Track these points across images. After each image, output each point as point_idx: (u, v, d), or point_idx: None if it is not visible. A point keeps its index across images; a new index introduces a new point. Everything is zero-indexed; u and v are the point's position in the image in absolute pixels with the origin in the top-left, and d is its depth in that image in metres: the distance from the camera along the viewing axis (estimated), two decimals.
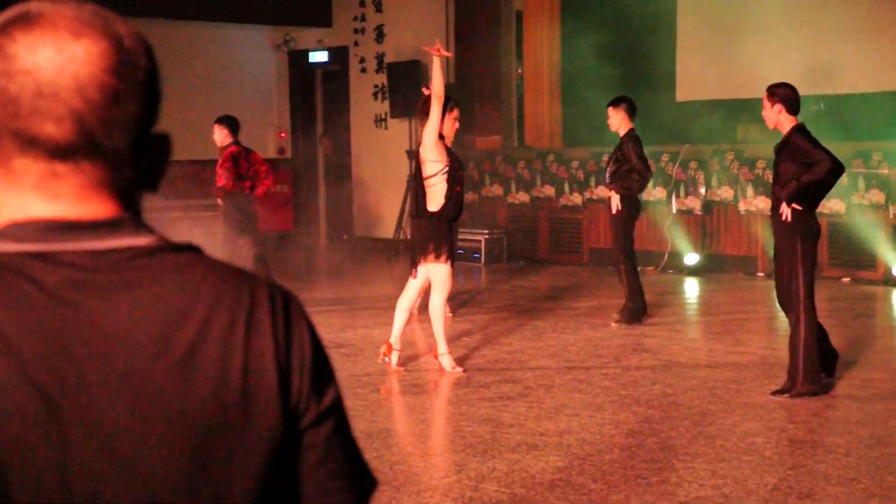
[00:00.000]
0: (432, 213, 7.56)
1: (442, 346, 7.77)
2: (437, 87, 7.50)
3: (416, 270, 7.66)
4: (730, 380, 7.45)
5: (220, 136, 10.58)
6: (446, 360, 7.75)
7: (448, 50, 15.48)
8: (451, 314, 10.00)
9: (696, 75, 14.57)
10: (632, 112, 9.68)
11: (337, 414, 1.43)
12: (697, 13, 14.50)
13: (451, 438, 6.31)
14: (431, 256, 7.55)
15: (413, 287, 7.76)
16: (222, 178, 10.37)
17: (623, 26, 14.73)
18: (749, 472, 5.39)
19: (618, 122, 9.70)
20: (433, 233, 7.55)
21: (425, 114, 7.62)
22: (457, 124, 7.79)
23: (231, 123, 10.58)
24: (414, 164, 7.69)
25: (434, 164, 7.52)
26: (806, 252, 6.91)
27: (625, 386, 7.29)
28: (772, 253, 7.38)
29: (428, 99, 7.68)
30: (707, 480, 5.28)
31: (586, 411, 6.66)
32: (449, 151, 7.61)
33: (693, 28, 14.55)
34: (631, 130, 9.67)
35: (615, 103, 9.77)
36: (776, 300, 7.41)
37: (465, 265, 14.22)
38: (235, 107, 16.27)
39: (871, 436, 6.00)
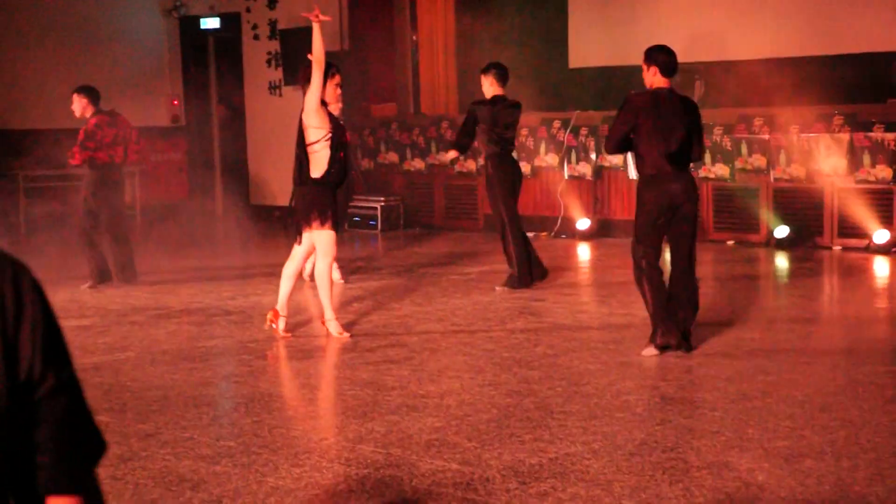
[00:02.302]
0: (315, 180, 7.59)
1: (329, 312, 7.83)
2: (317, 52, 7.51)
3: (301, 237, 7.70)
4: (610, 340, 7.64)
5: (80, 106, 10.11)
6: (333, 326, 7.81)
7: (331, 15, 15.47)
8: (342, 280, 10.09)
9: (589, 42, 14.75)
10: (501, 79, 9.70)
11: (74, 386, 1.48)
12: None
13: (332, 402, 6.40)
14: (316, 223, 7.60)
15: (298, 254, 7.79)
16: (76, 156, 10.00)
17: None
18: (619, 429, 5.57)
19: (487, 88, 9.72)
20: (317, 199, 7.59)
21: (307, 80, 7.63)
22: (339, 90, 7.83)
23: (91, 93, 10.21)
24: (297, 130, 7.70)
25: (317, 130, 7.55)
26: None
27: (507, 348, 7.43)
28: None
29: (310, 65, 7.68)
30: (578, 437, 5.43)
31: (468, 373, 6.79)
32: (331, 117, 7.64)
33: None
34: (496, 97, 9.67)
35: (485, 70, 9.82)
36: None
37: (361, 232, 14.29)
38: (126, 73, 16.09)
39: (738, 391, 6.22)
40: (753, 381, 6.42)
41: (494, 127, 9.54)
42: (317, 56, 7.50)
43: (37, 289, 1.44)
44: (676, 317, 7.16)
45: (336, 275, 10.12)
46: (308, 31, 7.82)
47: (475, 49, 15.09)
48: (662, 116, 7.02)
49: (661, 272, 7.21)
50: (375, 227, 14.36)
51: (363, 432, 5.56)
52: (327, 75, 7.62)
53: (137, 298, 9.52)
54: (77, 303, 9.37)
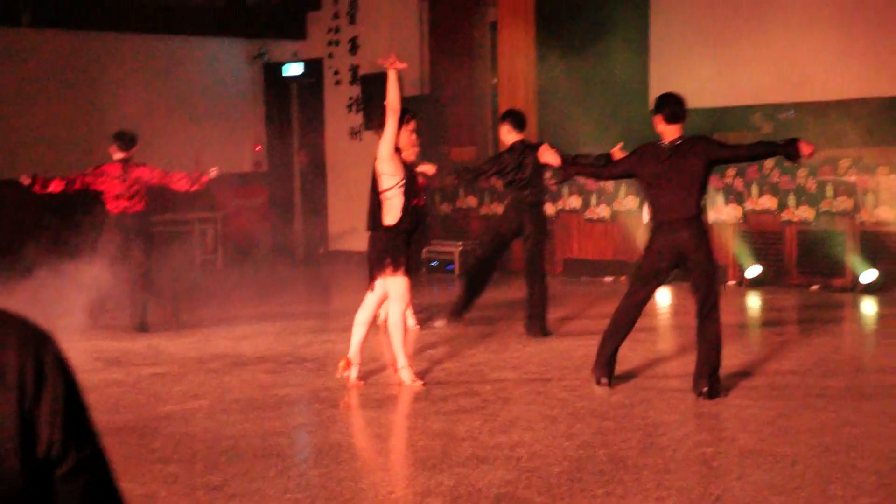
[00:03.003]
0: (388, 227, 7.56)
1: (401, 360, 7.76)
2: (391, 99, 7.51)
3: (374, 284, 7.66)
4: (687, 389, 7.43)
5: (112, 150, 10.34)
6: (406, 374, 7.75)
7: (412, 59, 15.59)
8: (417, 326, 10.04)
9: (669, 84, 14.59)
10: (517, 125, 9.73)
11: (97, 465, 1.43)
12: (671, 24, 14.53)
13: (402, 453, 6.32)
14: (388, 270, 7.56)
15: (370, 301, 7.76)
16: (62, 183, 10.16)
17: (597, 37, 14.75)
18: (694, 483, 5.40)
19: (504, 134, 9.77)
20: (390, 246, 7.56)
21: (382, 126, 7.63)
22: (414, 136, 7.81)
23: (118, 139, 10.34)
24: (370, 177, 7.69)
25: (390, 177, 7.53)
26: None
27: (582, 397, 7.29)
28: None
29: (386, 111, 7.69)
30: (652, 492, 5.28)
31: (541, 423, 6.66)
32: (405, 165, 7.62)
33: (666, 38, 14.59)
34: (517, 142, 9.71)
35: (501, 119, 9.87)
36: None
37: (439, 277, 14.24)
38: (212, 120, 16.34)
39: (821, 444, 6.01)
40: (838, 434, 6.20)
41: (518, 173, 9.55)
42: (391, 103, 7.49)
43: (60, 362, 1.38)
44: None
45: (411, 321, 10.08)
46: (386, 77, 7.92)
47: (556, 93, 15.03)
48: (668, 165, 7.11)
49: (637, 314, 7.41)
50: (453, 271, 14.31)
51: (432, 485, 5.46)
52: (402, 122, 7.61)
53: (216, 346, 9.56)
54: (154, 349, 9.44)
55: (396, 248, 7.56)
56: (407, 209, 7.55)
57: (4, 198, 14.08)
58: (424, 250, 14.91)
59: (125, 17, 15.39)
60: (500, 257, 10.03)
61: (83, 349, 9.42)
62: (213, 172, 10.30)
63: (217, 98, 16.52)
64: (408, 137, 7.71)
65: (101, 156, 14.94)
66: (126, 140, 10.32)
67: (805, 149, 7.04)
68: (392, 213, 7.56)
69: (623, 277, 13.16)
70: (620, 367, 8.22)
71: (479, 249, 9.79)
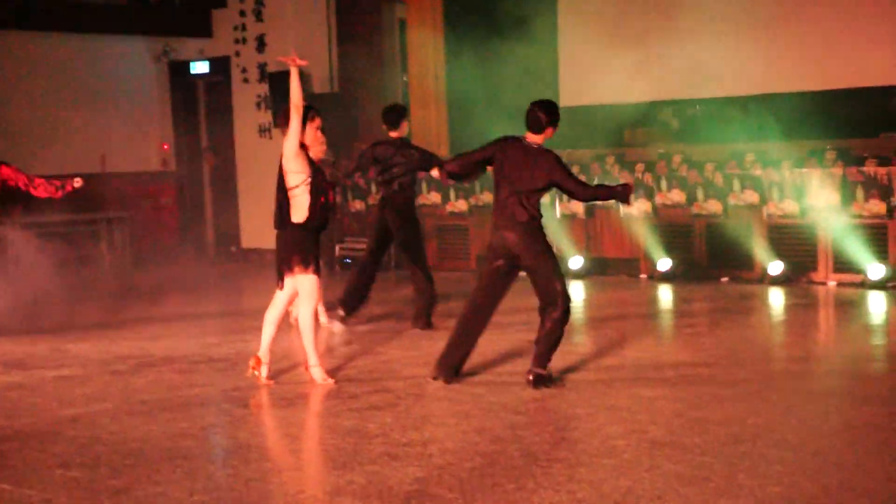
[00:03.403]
0: (296, 224, 7.47)
1: (312, 358, 7.67)
2: (294, 97, 7.42)
3: (283, 282, 7.56)
4: (599, 382, 7.48)
5: None
6: (317, 372, 7.65)
7: (320, 58, 15.48)
8: (329, 324, 9.93)
9: (580, 80, 14.69)
10: (390, 122, 9.88)
11: None
12: (579, 20, 14.61)
13: (312, 452, 6.23)
14: (298, 268, 7.46)
15: (280, 299, 7.65)
16: None
17: (506, 33, 14.77)
18: (605, 476, 5.40)
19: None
20: (298, 244, 7.46)
21: (287, 123, 7.53)
22: (319, 133, 7.72)
23: None
24: (277, 175, 7.59)
25: (296, 175, 7.44)
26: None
27: (494, 392, 7.26)
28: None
29: (289, 109, 7.59)
30: (563, 485, 5.26)
31: (452, 419, 6.62)
32: (311, 162, 7.53)
33: (575, 34, 14.66)
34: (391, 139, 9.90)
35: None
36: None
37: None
38: (118, 119, 16.04)
39: (728, 434, 6.05)
40: (745, 424, 6.26)
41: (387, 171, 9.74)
42: (294, 100, 7.40)
43: None
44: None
45: (323, 318, 9.98)
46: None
47: (466, 89, 15.02)
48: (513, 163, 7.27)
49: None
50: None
51: (342, 484, 5.38)
52: (306, 118, 7.51)
53: (121, 347, 9.36)
54: (58, 351, 9.21)
55: (305, 245, 7.47)
56: (314, 207, 7.46)
57: None
58: (337, 248, 14.81)
59: (30, 15, 15.01)
60: (381, 255, 10.08)
61: None
62: (77, 183, 10.12)
63: (123, 97, 16.21)
64: (313, 134, 7.62)
65: (8, 155, 14.62)
66: None
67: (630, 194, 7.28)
68: (299, 210, 7.47)
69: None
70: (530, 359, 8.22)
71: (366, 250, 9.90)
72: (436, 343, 9.02)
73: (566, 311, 7.31)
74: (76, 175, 10.72)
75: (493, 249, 7.37)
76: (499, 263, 7.36)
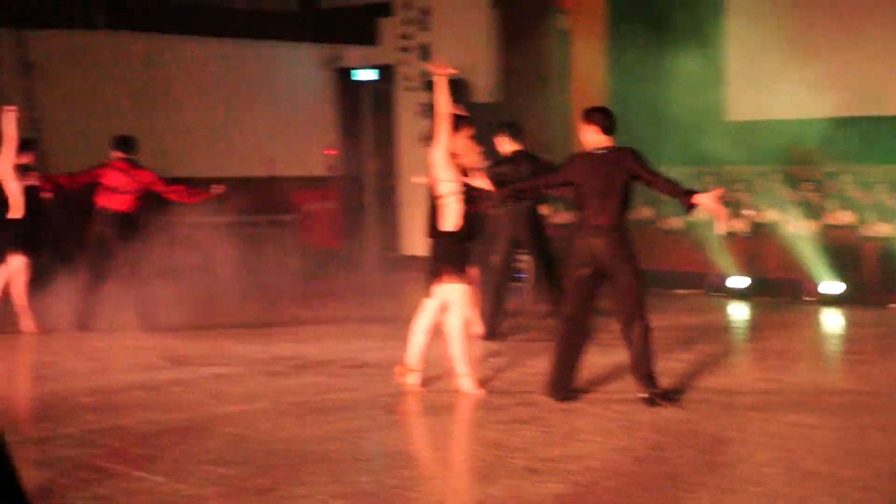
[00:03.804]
0: (445, 233, 7.50)
1: (461, 368, 7.68)
2: (441, 106, 7.45)
3: (432, 290, 7.60)
4: (754, 406, 7.28)
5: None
6: (466, 382, 7.67)
7: (493, 69, 15.52)
8: (482, 333, 9.95)
9: (747, 94, 14.36)
10: (513, 134, 9.89)
11: None
12: (747, 33, 14.28)
13: (454, 462, 6.23)
14: (446, 276, 7.49)
15: (429, 307, 7.69)
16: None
17: (671, 43, 14.55)
18: None
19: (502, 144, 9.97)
20: (447, 252, 7.49)
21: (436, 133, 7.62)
22: (471, 142, 7.72)
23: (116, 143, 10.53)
24: (429, 183, 7.65)
25: (447, 183, 7.48)
26: None
27: (642, 411, 7.14)
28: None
29: (437, 118, 7.66)
30: None
31: (598, 436, 6.54)
32: (462, 171, 7.55)
33: (743, 47, 14.33)
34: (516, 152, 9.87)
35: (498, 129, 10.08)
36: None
37: (511, 286, 14.09)
38: (285, 124, 16.45)
39: (892, 469, 5.80)
40: None
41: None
42: (440, 109, 7.44)
43: None
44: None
45: (476, 328, 10.00)
46: (460, 82, 7.95)
47: (630, 100, 14.85)
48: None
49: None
50: (524, 280, 14.15)
51: (481, 497, 5.38)
52: (457, 127, 7.54)
53: (280, 348, 9.58)
54: (220, 350, 9.48)
55: (454, 254, 7.49)
56: (465, 215, 7.48)
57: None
58: None
59: (200, 21, 15.54)
60: (511, 267, 10.12)
61: (150, 347, 9.51)
62: (218, 189, 10.35)
63: (290, 102, 16.62)
64: (464, 143, 7.63)
65: (174, 158, 15.17)
66: (128, 144, 10.40)
67: (705, 207, 7.10)
68: (449, 219, 7.50)
69: (696, 291, 12.96)
70: (687, 380, 8.07)
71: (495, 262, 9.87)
72: (590, 357, 8.93)
73: (648, 323, 7.23)
74: (227, 181, 10.97)
75: (578, 257, 7.25)
76: (585, 272, 7.24)
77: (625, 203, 7.22)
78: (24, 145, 10.45)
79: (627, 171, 7.19)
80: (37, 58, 14.54)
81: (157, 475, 5.71)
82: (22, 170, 10.25)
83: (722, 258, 12.86)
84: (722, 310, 12.05)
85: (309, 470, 5.81)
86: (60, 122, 14.33)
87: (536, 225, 9.85)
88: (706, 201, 7.10)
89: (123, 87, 15.16)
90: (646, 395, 7.22)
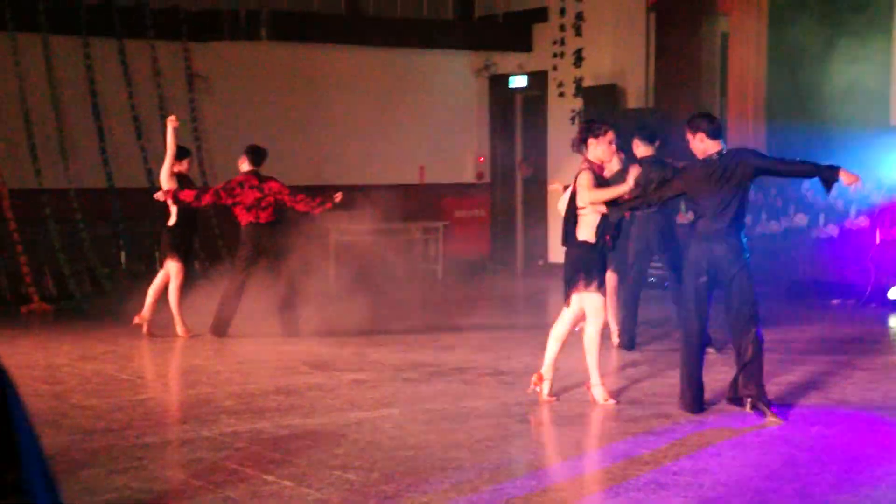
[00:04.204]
0: (583, 243, 7.45)
1: (595, 378, 7.63)
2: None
3: (570, 299, 7.56)
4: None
5: (243, 162, 10.58)
6: (598, 392, 7.61)
7: (647, 74, 15.36)
8: (618, 343, 9.86)
9: None
10: (646, 139, 9.75)
11: (16, 494, 1.41)
12: None
13: (580, 474, 6.18)
14: (582, 285, 7.44)
15: (566, 316, 7.65)
16: (201, 197, 10.34)
17: (834, 48, 14.12)
18: None
19: (635, 149, 9.79)
20: (584, 261, 7.44)
21: (581, 141, 7.57)
22: (613, 147, 7.65)
23: (250, 153, 10.53)
24: (569, 191, 7.61)
25: (585, 194, 7.43)
26: None
27: (781, 425, 6.95)
28: None
29: (585, 125, 7.63)
30: None
31: (730, 450, 6.39)
32: (599, 181, 7.49)
33: None
34: (648, 157, 9.65)
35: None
36: None
37: (655, 293, 13.91)
38: (437, 131, 16.62)
39: None
40: None
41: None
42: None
43: None
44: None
45: (616, 339, 9.92)
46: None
47: (787, 104, 14.48)
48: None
49: None
50: (668, 288, 13.92)
51: None
52: (599, 133, 7.49)
53: (418, 354, 9.67)
54: (360, 356, 9.63)
55: (591, 263, 7.44)
56: (602, 225, 7.42)
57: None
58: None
59: (358, 31, 15.83)
60: (645, 276, 9.96)
61: (295, 352, 9.73)
62: (338, 198, 10.43)
63: (443, 109, 16.79)
64: (606, 149, 7.57)
65: (330, 166, 15.50)
66: (259, 155, 10.55)
67: (846, 178, 6.86)
68: (586, 229, 7.45)
69: (851, 301, 12.55)
70: (831, 392, 7.83)
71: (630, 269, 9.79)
72: (732, 367, 8.75)
73: (760, 333, 7.09)
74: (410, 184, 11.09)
75: (695, 265, 7.13)
76: (703, 279, 7.11)
77: (742, 208, 7.09)
78: (181, 153, 10.82)
79: (747, 172, 7.04)
80: (200, 68, 15.07)
81: (285, 479, 5.84)
82: (179, 178, 10.62)
83: (879, 267, 12.40)
84: (877, 320, 11.61)
85: (432, 478, 5.85)
86: (221, 132, 14.81)
87: (668, 233, 9.66)
88: (848, 174, 6.92)
89: (282, 98, 15.58)
90: (754, 406, 7.05)
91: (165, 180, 10.47)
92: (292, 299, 10.53)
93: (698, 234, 7.18)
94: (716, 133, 7.14)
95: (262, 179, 10.45)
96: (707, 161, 7.15)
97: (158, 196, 10.43)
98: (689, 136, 7.25)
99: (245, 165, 10.55)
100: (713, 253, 7.08)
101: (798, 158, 7.27)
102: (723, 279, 7.11)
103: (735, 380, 7.30)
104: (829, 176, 6.95)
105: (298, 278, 10.60)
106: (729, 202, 7.05)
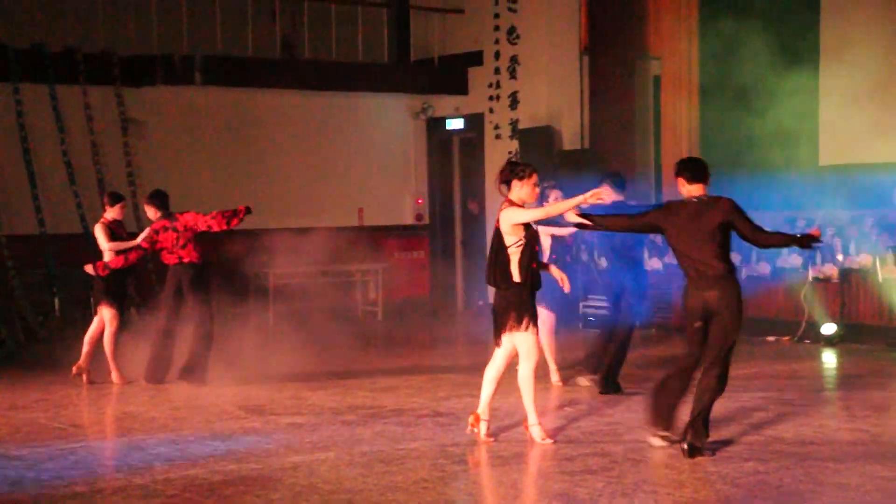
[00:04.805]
0: (512, 283, 7.47)
1: (532, 417, 7.64)
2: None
3: (500, 340, 7.58)
4: (831, 458, 7.08)
5: (150, 211, 10.46)
6: (536, 431, 7.61)
7: (582, 115, 15.53)
8: (560, 383, 9.90)
9: (840, 137, 14.08)
10: (616, 185, 9.59)
11: None
12: (840, 77, 14.00)
13: None
14: (512, 325, 7.46)
15: (499, 357, 7.66)
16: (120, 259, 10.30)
17: (764, 91, 14.37)
18: None
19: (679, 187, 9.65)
20: (515, 302, 7.46)
21: (503, 181, 7.60)
22: (536, 190, 7.68)
23: (153, 199, 10.41)
24: (493, 232, 7.62)
25: (510, 236, 7.47)
26: None
27: (716, 462, 7.00)
28: None
29: (509, 167, 7.65)
30: None
31: (666, 488, 6.42)
32: (527, 223, 7.53)
33: (836, 92, 14.06)
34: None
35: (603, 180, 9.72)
36: None
37: (595, 333, 13.98)
38: (375, 174, 16.66)
39: None
40: None
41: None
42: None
43: None
44: None
45: (554, 377, 9.95)
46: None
47: (721, 148, 14.68)
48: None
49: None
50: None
51: None
52: (524, 175, 7.53)
53: (356, 397, 9.62)
54: (298, 399, 9.56)
55: (522, 303, 7.46)
56: (528, 266, 7.45)
57: None
58: (580, 305, 14.71)
59: (292, 75, 15.84)
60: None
61: (230, 396, 9.63)
62: (241, 212, 10.26)
63: (381, 152, 16.85)
64: (531, 191, 7.60)
65: (267, 209, 15.43)
66: (161, 198, 10.43)
67: (815, 234, 7.26)
68: (514, 267, 7.47)
69: (786, 338, 12.70)
70: (765, 429, 7.90)
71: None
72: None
73: (725, 375, 7.23)
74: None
75: (692, 312, 7.22)
76: (698, 325, 7.22)
77: (724, 249, 7.20)
78: (114, 199, 10.74)
79: (722, 220, 7.15)
80: (134, 113, 14.98)
81: None
82: (113, 225, 10.54)
83: (813, 304, 12.58)
84: (811, 357, 11.76)
85: None
86: (156, 177, 14.70)
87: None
88: (813, 232, 7.27)
89: (219, 142, 15.54)
90: (688, 444, 7.09)
91: (99, 229, 10.49)
92: (203, 346, 10.31)
93: (696, 282, 7.20)
94: (695, 178, 7.27)
95: (173, 219, 10.34)
96: (686, 201, 7.31)
97: (88, 269, 10.37)
98: (676, 180, 7.41)
99: (152, 213, 10.44)
100: (711, 298, 7.15)
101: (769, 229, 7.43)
102: (716, 319, 7.20)
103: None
104: (803, 243, 7.27)
105: (214, 324, 10.41)
106: (710, 244, 7.14)
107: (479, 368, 10.96)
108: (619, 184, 9.66)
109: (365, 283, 16.31)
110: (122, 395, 9.97)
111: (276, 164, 15.89)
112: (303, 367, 10.99)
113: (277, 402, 9.44)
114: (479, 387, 9.31)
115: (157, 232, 10.32)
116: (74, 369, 10.41)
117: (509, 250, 7.47)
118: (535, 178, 7.58)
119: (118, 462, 7.40)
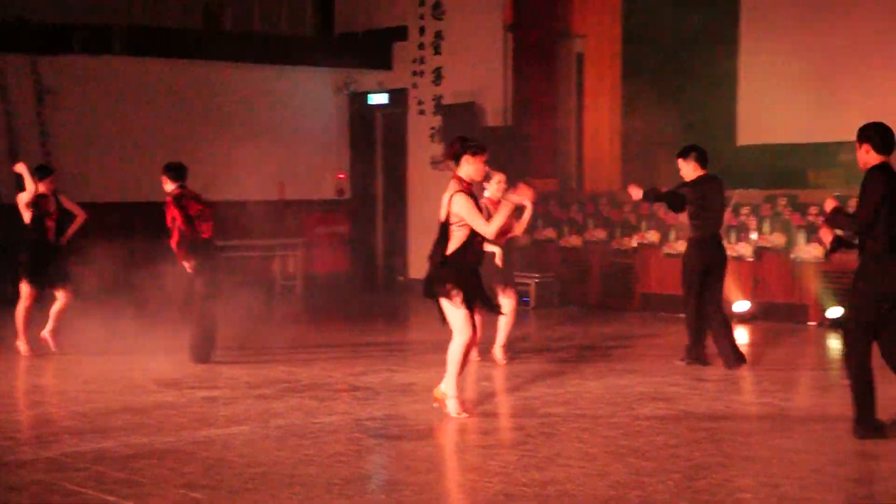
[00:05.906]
0: (447, 257, 7.46)
1: (451, 391, 7.64)
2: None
3: (446, 318, 7.55)
4: (740, 432, 7.21)
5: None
6: (453, 405, 7.63)
7: (506, 93, 15.54)
8: (478, 358, 9.93)
9: (759, 120, 14.28)
10: (701, 160, 9.65)
11: None
12: (760, 60, 14.19)
13: (429, 487, 6.17)
14: (443, 296, 7.45)
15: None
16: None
17: (685, 72, 14.52)
18: None
19: (689, 171, 9.63)
20: (449, 277, 7.44)
21: (450, 156, 7.60)
22: (485, 169, 7.67)
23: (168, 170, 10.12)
24: (443, 208, 7.59)
25: (455, 215, 7.46)
26: None
27: (627, 436, 7.08)
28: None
29: (461, 141, 7.61)
30: None
31: (578, 461, 6.47)
32: (475, 201, 7.52)
33: (755, 73, 14.25)
34: (700, 177, 9.65)
35: (684, 154, 9.63)
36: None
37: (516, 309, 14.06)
38: (297, 148, 16.53)
39: (866, 494, 5.72)
40: (888, 484, 5.90)
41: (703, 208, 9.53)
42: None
43: None
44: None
45: (473, 353, 9.97)
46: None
47: (642, 126, 14.81)
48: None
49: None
50: (528, 304, 14.13)
51: None
52: (473, 153, 7.51)
53: (273, 371, 9.57)
54: (213, 373, 9.48)
55: (456, 279, 7.43)
56: (468, 243, 7.44)
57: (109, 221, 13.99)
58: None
59: (215, 46, 15.65)
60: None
61: (143, 370, 9.53)
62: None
63: (303, 126, 16.72)
64: (479, 169, 7.58)
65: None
66: (179, 171, 10.21)
67: None
68: (455, 243, 7.46)
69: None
70: (677, 405, 8.01)
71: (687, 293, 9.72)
72: (584, 383, 8.91)
73: None
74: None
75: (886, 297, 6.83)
76: (886, 306, 6.84)
77: None
78: (43, 173, 10.51)
79: None
80: (51, 83, 14.70)
81: (128, 500, 5.69)
82: (39, 199, 10.35)
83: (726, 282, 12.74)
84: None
85: (280, 494, 5.78)
86: (73, 147, 14.45)
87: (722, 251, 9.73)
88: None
89: (137, 113, 15.29)
90: None
91: (23, 204, 10.31)
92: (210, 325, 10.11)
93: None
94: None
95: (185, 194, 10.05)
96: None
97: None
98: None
99: (168, 185, 10.07)
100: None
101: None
102: None
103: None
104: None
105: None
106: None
107: (396, 344, 11.05)
108: (702, 158, 9.67)
109: (284, 257, 16.21)
110: (33, 369, 9.81)
111: (196, 135, 15.68)
112: (219, 341, 10.88)
113: (193, 375, 9.35)
114: (397, 362, 9.33)
115: (178, 199, 9.91)
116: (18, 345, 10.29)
117: (453, 227, 7.46)
118: (486, 156, 7.57)
119: (25, 435, 7.28)
